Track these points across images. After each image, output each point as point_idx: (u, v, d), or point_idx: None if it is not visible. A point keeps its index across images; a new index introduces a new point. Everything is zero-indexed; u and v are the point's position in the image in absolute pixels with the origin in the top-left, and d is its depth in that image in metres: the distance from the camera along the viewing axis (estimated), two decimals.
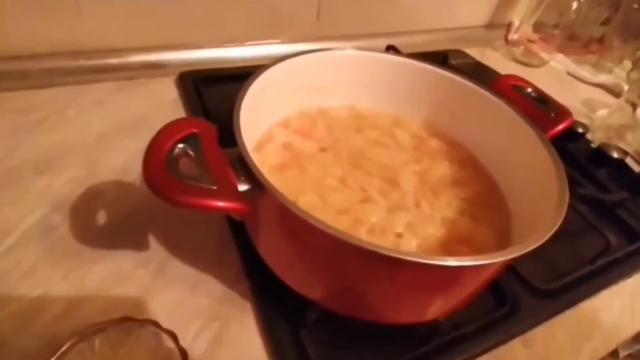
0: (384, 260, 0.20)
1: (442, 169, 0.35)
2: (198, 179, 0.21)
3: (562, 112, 0.33)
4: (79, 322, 0.28)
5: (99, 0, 0.48)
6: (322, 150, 0.35)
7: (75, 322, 0.28)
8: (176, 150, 0.22)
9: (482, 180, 0.34)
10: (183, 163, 0.22)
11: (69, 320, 0.28)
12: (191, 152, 0.22)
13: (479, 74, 0.67)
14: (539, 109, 0.32)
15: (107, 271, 0.32)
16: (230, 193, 0.21)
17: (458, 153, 0.36)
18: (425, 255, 0.20)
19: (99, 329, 0.24)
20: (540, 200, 0.28)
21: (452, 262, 0.20)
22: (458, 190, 0.33)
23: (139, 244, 0.34)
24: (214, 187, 0.21)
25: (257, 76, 0.30)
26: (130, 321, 0.24)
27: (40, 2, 0.45)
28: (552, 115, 0.32)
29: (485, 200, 0.32)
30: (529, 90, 0.35)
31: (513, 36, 0.79)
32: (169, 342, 0.24)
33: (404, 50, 0.62)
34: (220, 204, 0.21)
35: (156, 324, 0.24)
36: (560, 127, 0.31)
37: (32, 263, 0.31)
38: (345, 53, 0.36)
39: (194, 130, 0.23)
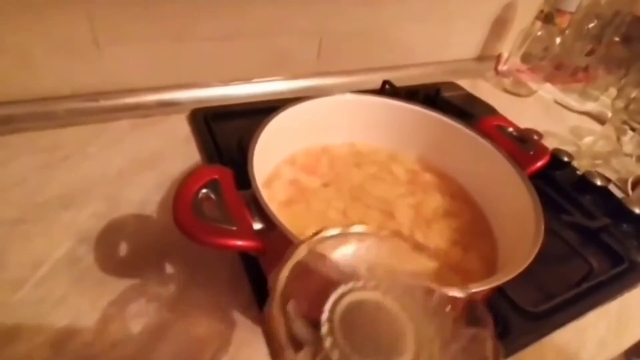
0: None
1: (435, 202, 0.38)
2: (220, 221, 0.24)
3: (540, 150, 0.36)
4: (106, 348, 0.31)
5: (118, 45, 0.52)
6: (325, 185, 0.38)
7: (102, 347, 0.31)
8: (200, 195, 0.25)
9: (471, 211, 0.37)
10: (206, 205, 0.26)
11: (97, 346, 0.31)
12: (213, 196, 0.26)
13: (470, 104, 0.71)
14: (519, 147, 0.36)
15: (130, 299, 0.35)
16: (248, 233, 0.25)
17: (449, 186, 0.40)
18: None
19: None
20: (521, 231, 0.31)
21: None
22: (449, 221, 0.36)
23: (158, 274, 0.37)
24: (234, 228, 0.24)
25: (267, 123, 0.34)
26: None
27: (65, 48, 0.50)
28: (531, 153, 0.36)
29: (474, 231, 0.36)
30: (511, 130, 0.39)
31: (503, 67, 0.84)
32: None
33: (399, 83, 0.66)
34: (240, 243, 0.24)
35: None
36: (539, 164, 0.35)
37: (62, 293, 0.34)
38: (345, 98, 0.40)
39: (215, 176, 0.27)
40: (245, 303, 0.35)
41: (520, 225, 0.31)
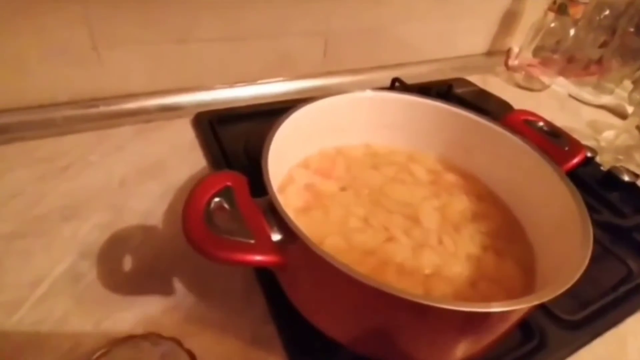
0: (416, 307, 0.21)
1: (461, 204, 0.35)
2: (235, 233, 0.22)
3: (575, 146, 0.34)
4: None
5: (118, 49, 0.50)
6: (343, 189, 0.35)
7: None
8: (212, 205, 0.23)
9: (501, 213, 0.35)
10: (219, 216, 0.23)
11: None
12: (226, 205, 0.23)
13: (483, 100, 0.69)
14: (552, 143, 0.33)
15: (137, 318, 0.32)
16: (267, 246, 0.22)
17: (475, 187, 0.37)
18: (455, 302, 0.20)
19: (103, 352, 0.25)
20: (562, 234, 0.28)
21: (481, 308, 0.21)
22: (479, 225, 0.33)
23: (166, 289, 0.34)
24: (252, 241, 0.22)
25: (279, 124, 0.31)
26: (133, 338, 0.25)
27: (62, 53, 0.48)
28: (566, 148, 0.33)
29: (506, 234, 0.33)
30: (541, 124, 0.36)
31: (513, 62, 0.81)
32: (174, 347, 0.26)
33: (408, 81, 0.64)
34: (259, 258, 0.21)
35: (159, 335, 0.26)
36: (575, 160, 0.32)
37: (63, 313, 0.32)
38: (364, 95, 0.37)
39: (228, 183, 0.24)
40: (261, 318, 0.33)
41: (558, 225, 0.29)
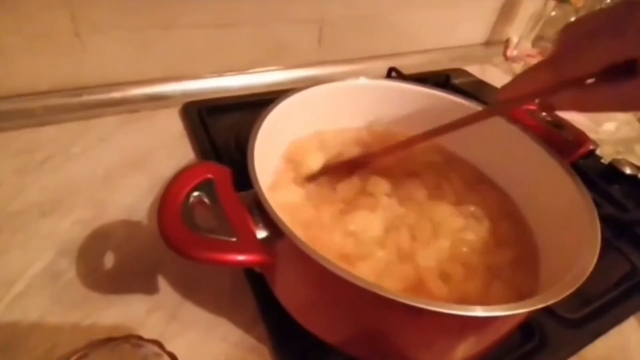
0: (412, 310, 0.19)
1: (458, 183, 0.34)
2: (216, 231, 0.20)
3: (579, 136, 0.32)
4: None
5: (101, 35, 0.48)
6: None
7: None
8: (191, 199, 0.21)
9: (497, 197, 0.33)
10: (199, 212, 0.21)
11: None
12: (207, 200, 0.22)
13: (483, 91, 0.67)
14: (555, 134, 0.32)
15: (118, 318, 0.30)
16: (251, 244, 0.20)
17: (471, 173, 0.36)
18: (452, 305, 0.19)
19: (81, 355, 0.24)
20: (567, 229, 0.27)
21: (480, 312, 0.19)
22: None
23: (150, 287, 0.33)
24: (234, 239, 0.20)
25: (269, 111, 0.29)
26: (112, 340, 0.24)
27: (42, 39, 0.45)
28: (570, 139, 0.32)
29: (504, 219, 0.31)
30: (543, 114, 0.34)
31: (512, 52, 0.79)
32: (156, 350, 0.24)
33: (405, 71, 0.62)
34: (242, 257, 0.20)
35: (140, 338, 0.24)
36: (580, 151, 0.31)
37: (40, 313, 0.30)
38: (358, 83, 0.35)
39: (209, 175, 0.22)
40: (249, 319, 0.31)
41: (564, 222, 0.27)
